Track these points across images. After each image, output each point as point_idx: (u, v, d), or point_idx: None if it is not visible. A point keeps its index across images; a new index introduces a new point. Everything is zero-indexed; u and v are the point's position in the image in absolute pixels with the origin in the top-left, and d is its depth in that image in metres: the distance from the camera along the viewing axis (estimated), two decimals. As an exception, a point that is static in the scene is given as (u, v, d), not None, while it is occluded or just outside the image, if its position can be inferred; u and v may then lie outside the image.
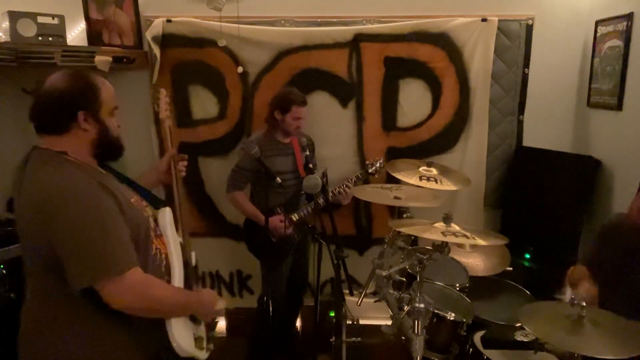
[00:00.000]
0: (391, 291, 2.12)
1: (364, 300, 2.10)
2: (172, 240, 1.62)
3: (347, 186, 2.85)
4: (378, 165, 2.94)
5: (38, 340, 1.44)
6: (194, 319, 1.63)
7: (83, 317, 1.42)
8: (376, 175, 2.95)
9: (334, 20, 3.04)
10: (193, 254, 1.74)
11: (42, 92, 1.41)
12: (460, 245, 2.64)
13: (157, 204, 1.67)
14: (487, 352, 2.01)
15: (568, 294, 1.78)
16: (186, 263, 1.65)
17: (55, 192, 1.33)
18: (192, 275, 1.66)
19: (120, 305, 1.37)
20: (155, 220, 1.61)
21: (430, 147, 3.14)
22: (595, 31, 2.88)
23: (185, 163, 1.89)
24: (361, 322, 2.42)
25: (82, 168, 1.42)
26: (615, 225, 2.16)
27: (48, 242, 1.32)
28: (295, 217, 2.78)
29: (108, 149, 1.50)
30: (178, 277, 1.58)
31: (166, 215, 1.65)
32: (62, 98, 1.40)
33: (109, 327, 1.43)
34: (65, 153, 1.41)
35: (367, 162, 2.98)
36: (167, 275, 1.56)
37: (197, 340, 1.62)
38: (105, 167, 1.56)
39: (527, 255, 2.97)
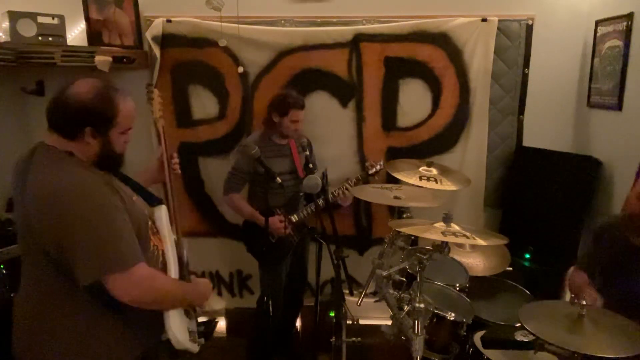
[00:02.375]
0: (391, 291, 2.12)
1: (364, 300, 2.10)
2: (168, 237, 1.68)
3: (346, 188, 2.85)
4: (378, 167, 2.94)
5: (34, 332, 1.48)
6: (187, 313, 1.70)
7: (80, 310, 1.46)
8: (376, 177, 2.95)
9: (334, 20, 3.04)
10: (185, 251, 1.79)
11: (66, 94, 1.45)
12: (460, 245, 2.63)
13: (152, 201, 1.72)
14: (487, 352, 2.01)
15: (567, 297, 1.78)
16: (180, 259, 1.71)
17: (65, 190, 1.38)
18: (185, 271, 1.71)
19: (127, 298, 1.41)
20: (151, 218, 1.67)
21: (430, 147, 3.14)
22: (595, 31, 2.88)
23: (176, 161, 1.94)
24: (361, 322, 2.41)
25: (88, 168, 1.47)
26: (608, 226, 2.17)
27: (55, 237, 1.36)
28: (295, 218, 2.78)
29: (107, 162, 1.54)
30: (174, 273, 1.64)
31: (162, 212, 1.70)
32: (78, 110, 1.44)
33: (106, 321, 1.49)
34: (71, 153, 1.46)
35: (367, 164, 2.98)
36: (163, 271, 1.62)
37: (191, 333, 1.68)
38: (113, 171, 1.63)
39: (527, 255, 2.97)
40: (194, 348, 1.69)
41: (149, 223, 1.63)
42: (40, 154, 1.45)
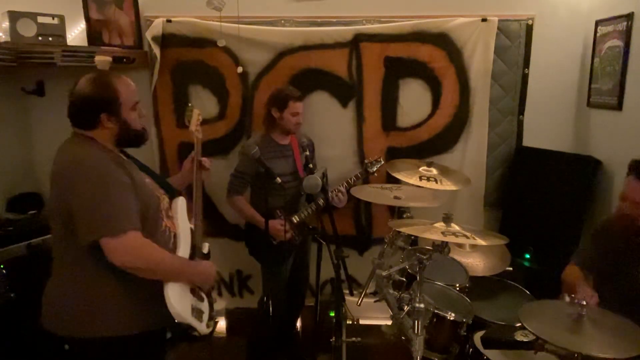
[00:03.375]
0: (391, 291, 2.12)
1: (364, 300, 2.10)
2: (182, 224, 1.85)
3: (345, 187, 2.85)
4: (378, 165, 2.93)
5: (52, 296, 1.68)
6: (193, 292, 1.79)
7: (87, 273, 1.62)
8: (375, 174, 2.94)
9: (334, 20, 3.04)
10: (206, 245, 1.94)
11: (73, 95, 1.65)
12: (460, 245, 2.63)
13: (172, 192, 1.91)
14: (487, 352, 2.01)
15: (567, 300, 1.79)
16: (194, 247, 1.85)
17: (75, 162, 1.59)
18: (197, 256, 1.84)
19: (119, 261, 1.55)
20: (170, 204, 1.86)
21: (430, 147, 3.14)
22: (595, 31, 2.88)
23: (207, 161, 2.11)
24: (361, 322, 2.42)
25: (104, 150, 1.66)
26: (606, 225, 2.17)
27: (67, 203, 1.56)
28: (295, 219, 2.78)
29: (129, 139, 1.73)
30: (182, 253, 1.78)
31: (179, 203, 1.90)
32: (86, 103, 1.64)
33: (110, 286, 1.62)
34: (93, 139, 1.66)
35: (366, 161, 2.98)
36: (173, 250, 1.77)
37: (196, 311, 1.76)
38: (130, 157, 1.81)
39: (527, 255, 2.97)
40: (201, 327, 1.76)
41: (163, 206, 1.78)
42: (68, 140, 1.69)
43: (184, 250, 1.79)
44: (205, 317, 1.81)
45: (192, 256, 1.83)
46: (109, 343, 1.62)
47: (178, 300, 1.65)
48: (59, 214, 1.60)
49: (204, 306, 1.84)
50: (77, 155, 1.61)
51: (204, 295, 1.86)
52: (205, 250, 1.93)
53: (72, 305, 1.63)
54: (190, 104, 2.19)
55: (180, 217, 1.86)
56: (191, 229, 1.90)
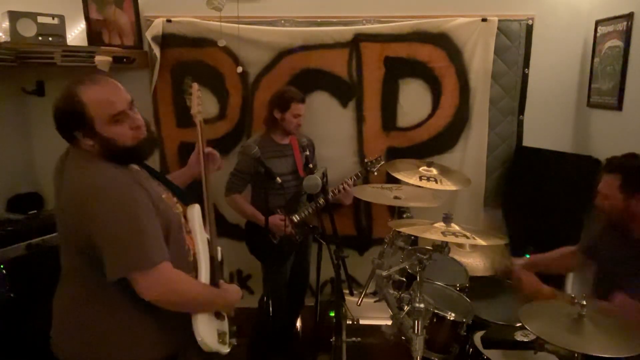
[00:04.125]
0: (391, 291, 2.12)
1: (364, 300, 2.10)
2: (200, 237, 1.66)
3: (347, 184, 2.85)
4: (378, 165, 2.93)
5: (68, 325, 1.52)
6: (217, 314, 1.67)
7: (112, 306, 1.48)
8: (376, 173, 2.94)
9: (334, 20, 3.04)
10: (219, 250, 1.77)
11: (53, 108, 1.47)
12: (460, 245, 2.64)
13: (186, 200, 1.70)
14: (487, 352, 2.01)
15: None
16: (212, 259, 1.67)
17: (93, 188, 1.40)
18: (217, 271, 1.68)
19: (150, 296, 1.41)
20: (185, 217, 1.65)
21: (430, 147, 3.14)
22: (595, 31, 2.88)
23: (217, 159, 1.89)
24: (361, 322, 2.42)
25: (115, 165, 1.46)
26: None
27: (88, 235, 1.39)
28: (296, 218, 2.78)
29: (120, 156, 1.47)
30: (205, 274, 1.61)
31: (194, 212, 1.67)
32: (56, 119, 1.45)
33: (138, 316, 1.49)
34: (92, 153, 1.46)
35: (366, 160, 2.97)
36: (194, 271, 1.61)
37: (220, 335, 1.66)
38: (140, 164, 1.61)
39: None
40: (224, 350, 1.66)
41: (182, 222, 1.62)
42: (73, 152, 1.49)
43: (205, 269, 1.63)
44: (227, 337, 1.71)
45: (213, 273, 1.65)
46: None
47: (207, 331, 1.56)
48: (75, 245, 1.46)
49: (225, 325, 1.73)
50: (90, 178, 1.42)
51: (224, 313, 1.74)
52: (219, 256, 1.76)
53: (91, 336, 1.50)
54: (188, 79, 1.91)
55: (198, 230, 1.66)
56: (208, 240, 1.71)
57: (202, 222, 1.69)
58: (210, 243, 1.70)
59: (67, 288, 1.55)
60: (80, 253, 1.45)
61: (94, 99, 1.41)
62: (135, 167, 1.56)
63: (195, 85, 1.87)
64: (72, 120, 1.42)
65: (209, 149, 1.87)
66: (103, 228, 1.38)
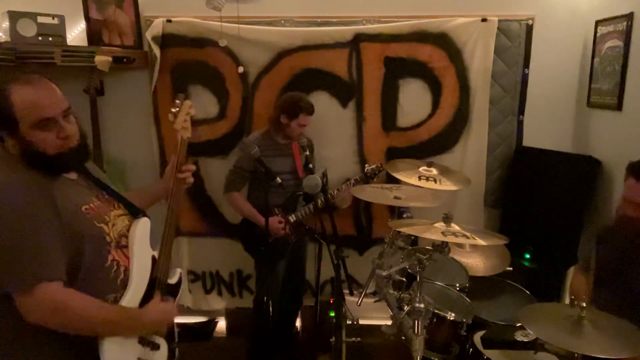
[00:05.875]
0: (391, 291, 2.12)
1: (364, 300, 2.10)
2: (139, 254, 1.51)
3: (353, 184, 2.85)
4: (378, 172, 2.93)
5: None
6: (146, 343, 1.51)
7: (3, 317, 1.36)
8: (375, 180, 2.94)
9: (334, 20, 3.04)
10: (178, 271, 1.66)
11: None
12: (460, 245, 2.63)
13: (135, 213, 1.57)
14: (487, 352, 2.01)
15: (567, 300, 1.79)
16: (154, 280, 1.53)
17: None
18: (162, 293, 1.54)
19: (31, 319, 1.31)
20: (128, 229, 1.52)
21: (430, 147, 3.14)
22: (595, 31, 2.87)
23: (192, 168, 1.74)
24: (361, 322, 2.42)
25: (25, 170, 1.35)
26: (610, 228, 2.17)
27: None
28: (292, 218, 2.78)
29: (37, 163, 1.36)
30: (132, 293, 1.46)
31: (138, 226, 1.53)
32: None
33: (29, 333, 1.36)
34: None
35: (366, 169, 2.96)
36: (122, 289, 1.46)
37: None
38: (80, 170, 1.49)
39: (527, 255, 2.97)
40: None
41: (112, 235, 1.46)
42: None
43: (136, 287, 1.46)
44: None
45: (149, 292, 1.49)
46: None
47: (115, 357, 1.40)
48: None
49: (159, 355, 1.54)
50: None
51: (159, 341, 1.55)
52: (173, 279, 1.62)
53: None
54: (183, 94, 1.80)
55: (138, 245, 1.50)
56: (153, 257, 1.56)
57: (148, 237, 1.55)
58: (157, 262, 1.56)
59: None
60: None
61: (23, 100, 1.32)
62: (71, 175, 1.45)
63: (188, 103, 1.76)
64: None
65: (185, 174, 1.72)
66: None
